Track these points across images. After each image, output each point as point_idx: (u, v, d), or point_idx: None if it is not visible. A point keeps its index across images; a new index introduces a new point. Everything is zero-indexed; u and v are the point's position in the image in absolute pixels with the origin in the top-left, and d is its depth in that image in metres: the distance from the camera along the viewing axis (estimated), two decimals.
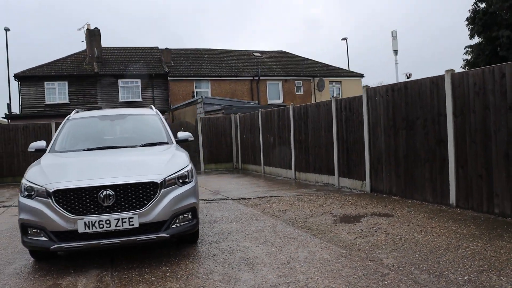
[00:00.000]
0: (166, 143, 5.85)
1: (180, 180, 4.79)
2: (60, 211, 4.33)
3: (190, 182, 4.90)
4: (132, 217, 4.40)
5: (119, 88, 24.91)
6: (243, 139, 15.60)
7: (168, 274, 4.28)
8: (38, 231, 4.43)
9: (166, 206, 4.59)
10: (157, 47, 28.99)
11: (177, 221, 4.71)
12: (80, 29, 30.43)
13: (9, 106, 24.31)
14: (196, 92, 26.20)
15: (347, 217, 6.43)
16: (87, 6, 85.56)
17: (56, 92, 24.09)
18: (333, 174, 9.73)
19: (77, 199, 4.36)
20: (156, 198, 4.55)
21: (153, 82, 25.37)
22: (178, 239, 5.25)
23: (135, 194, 4.50)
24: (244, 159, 15.63)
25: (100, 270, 4.53)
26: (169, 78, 25.74)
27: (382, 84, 9.04)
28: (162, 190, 4.59)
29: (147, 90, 25.29)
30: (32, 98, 23.54)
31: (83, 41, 25.78)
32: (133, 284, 4.05)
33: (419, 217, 6.07)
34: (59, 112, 22.24)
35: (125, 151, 5.58)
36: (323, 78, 29.41)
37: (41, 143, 5.83)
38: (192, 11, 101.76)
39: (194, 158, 15.13)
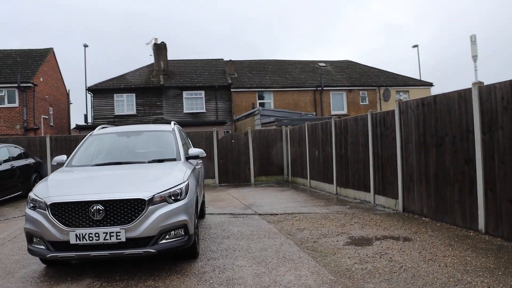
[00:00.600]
0: (174, 159, 5.97)
1: (172, 198, 4.86)
2: (55, 222, 4.58)
3: (182, 199, 4.94)
4: (120, 232, 4.53)
5: (184, 99, 25.90)
6: (292, 152, 15.45)
7: None
8: (39, 239, 4.73)
9: (154, 222, 4.67)
10: (222, 59, 29.78)
11: (167, 237, 4.77)
12: (148, 43, 32.17)
13: (85, 116, 26.30)
14: (259, 103, 26.45)
15: (361, 239, 6.09)
16: (164, 21, 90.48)
17: (125, 104, 25.62)
18: (369, 191, 9.29)
19: (70, 212, 4.59)
20: (143, 215, 4.65)
21: (217, 94, 26.05)
22: (174, 254, 5.31)
23: (123, 210, 4.64)
24: (294, 172, 15.45)
25: (93, 280, 4.71)
26: (232, 90, 26.29)
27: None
28: (150, 207, 4.68)
29: (211, 101, 26.02)
30: (102, 110, 25.26)
31: (151, 55, 27.22)
32: None
33: (438, 243, 5.58)
34: (127, 123, 23.61)
35: (130, 167, 5.77)
36: (389, 87, 28.29)
37: (62, 158, 6.22)
38: (269, 20, 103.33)
39: (244, 171, 15.29)
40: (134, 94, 25.61)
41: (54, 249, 4.63)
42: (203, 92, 25.99)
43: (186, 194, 5.03)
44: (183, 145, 6.44)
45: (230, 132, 22.68)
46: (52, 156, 14.74)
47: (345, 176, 10.70)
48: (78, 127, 22.80)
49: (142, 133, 7.02)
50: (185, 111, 25.91)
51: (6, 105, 21.72)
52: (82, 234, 4.50)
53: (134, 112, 25.57)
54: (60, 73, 27.69)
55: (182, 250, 5.09)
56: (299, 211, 8.68)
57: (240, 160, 15.73)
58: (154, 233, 4.68)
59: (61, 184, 5.18)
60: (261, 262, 5.11)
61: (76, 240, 4.51)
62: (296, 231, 6.81)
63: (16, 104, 21.77)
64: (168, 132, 6.70)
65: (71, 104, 29.53)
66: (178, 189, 4.96)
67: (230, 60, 28.53)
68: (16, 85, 21.32)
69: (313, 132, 13.06)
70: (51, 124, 24.84)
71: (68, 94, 29.15)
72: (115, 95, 25.46)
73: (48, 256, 4.64)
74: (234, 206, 9.79)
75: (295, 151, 15.07)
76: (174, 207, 4.82)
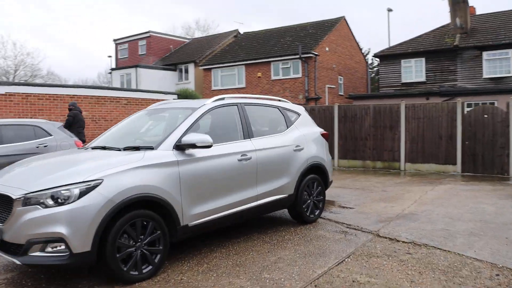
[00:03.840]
0: (151, 148, 4.61)
1: (53, 200, 3.76)
2: None
3: (68, 203, 3.74)
4: None
5: (483, 61, 20.75)
6: None
7: None
8: None
9: (20, 228, 3.77)
10: None
11: (41, 249, 3.76)
12: None
13: (367, 85, 25.28)
14: None
15: None
16: None
17: (413, 70, 22.87)
18: None
19: None
20: (11, 216, 3.81)
21: None
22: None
23: (2, 206, 3.95)
24: None
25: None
26: None
27: None
28: (18, 208, 3.78)
29: None
30: (389, 77, 23.44)
31: (449, 12, 22.93)
32: None
33: None
34: (415, 91, 21.14)
35: (92, 153, 4.86)
36: None
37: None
38: None
39: (500, 158, 10.89)
40: (423, 59, 22.50)
41: None
42: (510, 51, 19.99)
43: (79, 197, 3.78)
44: (186, 130, 4.87)
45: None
46: None
47: None
48: (351, 97, 22.13)
49: (165, 111, 5.87)
50: (484, 75, 20.77)
51: (291, 75, 23.44)
52: None
53: (423, 79, 22.56)
54: (356, 41, 27.47)
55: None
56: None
57: (495, 143, 11.22)
58: (21, 241, 3.77)
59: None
60: None
61: None
62: None
63: (299, 75, 23.16)
64: (188, 110, 5.27)
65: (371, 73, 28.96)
66: (65, 189, 3.79)
67: None
68: (297, 56, 22.60)
69: None
70: (340, 93, 25.19)
71: (366, 62, 28.70)
72: (402, 60, 23.13)
73: None
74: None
75: None
76: (46, 213, 3.72)
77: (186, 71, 31.09)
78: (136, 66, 29.70)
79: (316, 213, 6.45)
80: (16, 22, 62.26)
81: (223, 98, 5.68)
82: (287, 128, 6.21)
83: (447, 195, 8.30)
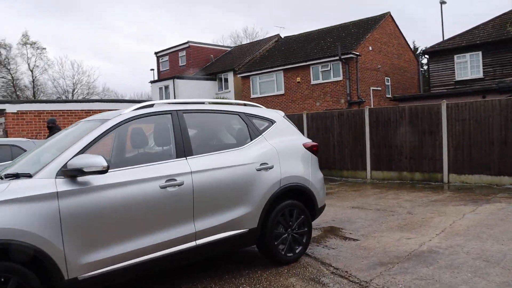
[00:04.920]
0: (28, 175, 3.38)
1: None
2: None
3: None
4: None
5: None
6: None
7: None
8: None
9: None
10: None
11: None
12: None
13: (418, 85, 22.86)
14: None
15: None
16: None
17: (468, 66, 20.26)
18: None
19: None
20: None
21: None
22: None
23: None
24: None
25: None
26: None
27: None
28: None
29: None
30: (441, 76, 20.95)
31: None
32: None
33: None
34: (470, 89, 18.65)
35: None
36: None
37: None
38: None
39: None
40: (479, 53, 19.86)
41: None
42: None
43: None
44: (81, 150, 3.58)
45: None
46: (309, 135, 13.26)
47: None
48: (396, 99, 19.92)
49: (71, 127, 4.59)
50: None
51: (332, 79, 21.67)
52: None
53: (480, 75, 19.92)
54: (404, 38, 25.10)
55: None
56: None
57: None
58: None
59: None
60: None
61: None
62: None
63: (340, 77, 21.33)
64: (95, 123, 3.99)
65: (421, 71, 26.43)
66: None
67: None
68: (337, 57, 20.82)
69: None
70: (388, 95, 23.01)
71: (418, 61, 26.23)
72: (455, 56, 20.60)
73: None
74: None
75: None
76: None
77: (226, 80, 30.24)
78: (173, 78, 29.27)
79: (298, 251, 4.89)
80: (74, 44, 65.26)
81: (151, 105, 4.35)
82: (251, 140, 4.73)
83: (491, 220, 6.34)
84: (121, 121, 3.96)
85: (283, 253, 4.74)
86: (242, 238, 4.42)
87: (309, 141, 5.28)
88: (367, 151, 11.72)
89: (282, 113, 5.36)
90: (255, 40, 41.61)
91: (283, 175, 4.71)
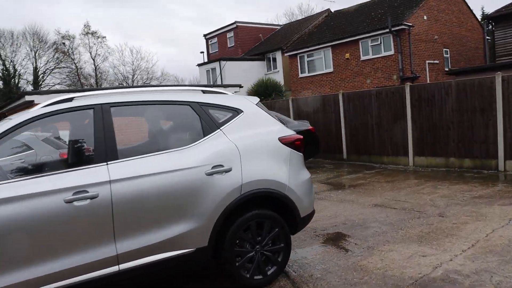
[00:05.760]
0: None
1: None
2: None
3: None
4: None
5: None
6: None
7: None
8: None
9: None
10: None
11: None
12: None
13: (485, 56, 20.29)
14: None
15: None
16: None
17: None
18: None
19: None
20: None
21: None
22: None
23: None
24: None
25: None
26: None
27: None
28: None
29: None
30: (507, 43, 18.36)
31: None
32: None
33: None
34: None
35: None
36: None
37: None
38: None
39: None
40: None
41: None
42: None
43: None
44: None
45: None
46: (345, 117, 11.94)
47: None
48: (452, 72, 17.71)
49: None
50: None
51: (383, 53, 19.80)
52: None
53: None
54: (466, 3, 22.41)
55: None
56: None
57: None
58: None
59: None
60: None
61: None
62: None
63: (391, 52, 19.41)
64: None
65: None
66: None
67: None
68: (387, 30, 18.91)
69: None
70: (447, 69, 20.72)
71: (483, 29, 23.40)
72: None
73: None
74: None
75: None
76: None
77: (274, 59, 29.09)
78: (219, 59, 28.59)
79: (271, 272, 3.90)
80: (136, 31, 66.72)
81: (70, 99, 3.50)
82: (204, 136, 3.76)
83: None
84: (22, 122, 3.18)
85: (248, 276, 3.77)
86: (187, 260, 3.51)
87: (289, 134, 4.19)
88: (408, 134, 10.23)
89: (256, 100, 4.29)
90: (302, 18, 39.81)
91: (245, 179, 3.70)
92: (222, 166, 3.64)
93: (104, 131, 3.38)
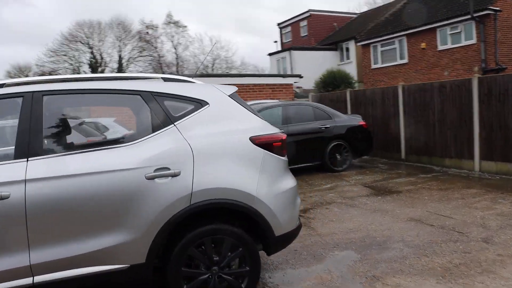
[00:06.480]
0: None
1: None
2: None
3: None
4: None
5: None
6: None
7: None
8: None
9: None
10: None
11: None
12: None
13: None
14: None
15: None
16: None
17: None
18: None
19: None
20: None
21: None
22: None
23: None
24: None
25: None
26: None
27: None
28: None
29: None
30: None
31: None
32: None
33: None
34: None
35: None
36: None
37: None
38: None
39: None
40: None
41: None
42: None
43: None
44: None
45: None
46: (405, 113, 10.62)
47: None
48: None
49: None
50: None
51: (463, 42, 17.69)
52: None
53: None
54: None
55: None
56: None
57: None
58: None
59: None
60: None
61: None
62: None
63: (473, 40, 17.26)
64: None
65: None
66: None
67: None
68: (469, 16, 16.80)
69: None
70: None
71: None
72: None
73: None
74: None
75: None
76: None
77: (347, 49, 27.68)
78: (289, 49, 27.78)
79: None
80: (218, 19, 67.78)
81: (1, 85, 3.05)
82: (152, 132, 3.12)
83: None
84: None
85: None
86: (119, 277, 2.92)
87: (266, 133, 3.40)
88: (475, 134, 8.77)
89: (230, 90, 3.54)
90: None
91: (197, 186, 3.01)
92: (167, 169, 2.99)
93: (30, 123, 2.89)
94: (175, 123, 3.16)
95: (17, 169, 2.76)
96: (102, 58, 46.51)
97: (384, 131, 11.23)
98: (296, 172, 9.85)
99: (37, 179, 2.75)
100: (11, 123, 3.71)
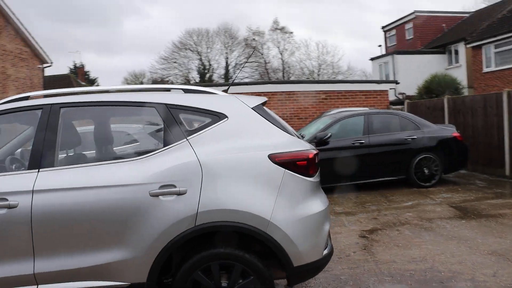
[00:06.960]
0: None
1: None
2: None
3: None
4: None
5: None
6: None
7: None
8: None
9: None
10: None
11: None
12: None
13: None
14: None
15: None
16: None
17: None
18: None
19: None
20: None
21: None
22: None
23: None
24: None
25: None
26: None
27: None
28: None
29: None
30: None
31: None
32: None
33: None
34: None
35: None
36: None
37: None
38: None
39: None
40: None
41: None
42: None
43: None
44: None
45: None
46: (510, 121, 9.26)
47: None
48: None
49: None
50: None
51: None
52: None
53: None
54: None
55: None
56: None
57: None
58: None
59: None
60: None
61: None
62: None
63: None
64: None
65: None
66: None
67: None
68: None
69: None
70: None
71: None
72: None
73: None
74: None
75: None
76: None
77: (456, 52, 25.43)
78: (392, 53, 26.34)
79: None
80: (326, 25, 67.18)
81: (26, 98, 3.17)
82: (164, 147, 2.97)
83: None
84: None
85: None
86: None
87: (291, 150, 3.04)
88: None
89: (255, 101, 3.25)
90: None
91: (204, 207, 2.80)
92: (173, 186, 2.83)
93: (46, 134, 2.96)
94: (188, 138, 2.99)
95: (28, 180, 2.83)
96: (210, 64, 48.85)
97: (485, 143, 9.96)
98: (377, 186, 9.33)
99: (43, 190, 2.80)
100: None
